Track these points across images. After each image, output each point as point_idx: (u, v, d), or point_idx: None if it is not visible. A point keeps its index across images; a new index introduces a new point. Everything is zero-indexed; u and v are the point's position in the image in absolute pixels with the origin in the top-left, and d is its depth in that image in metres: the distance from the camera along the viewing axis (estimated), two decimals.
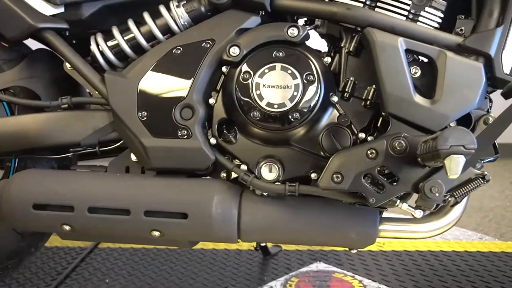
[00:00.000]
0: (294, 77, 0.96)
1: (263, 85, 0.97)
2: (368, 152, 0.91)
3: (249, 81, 0.97)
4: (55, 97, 1.11)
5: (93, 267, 1.48)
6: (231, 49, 0.99)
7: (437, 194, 0.85)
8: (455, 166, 0.73)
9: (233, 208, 1.00)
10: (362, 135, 0.98)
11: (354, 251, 1.12)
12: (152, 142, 1.02)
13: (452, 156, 0.73)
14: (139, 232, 1.02)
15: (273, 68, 0.97)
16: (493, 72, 0.92)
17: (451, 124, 0.93)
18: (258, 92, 0.97)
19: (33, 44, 1.16)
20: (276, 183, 1.00)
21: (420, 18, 0.99)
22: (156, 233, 1.01)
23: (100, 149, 1.09)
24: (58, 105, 1.10)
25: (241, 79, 0.98)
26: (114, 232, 1.04)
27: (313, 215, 1.00)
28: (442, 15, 1.00)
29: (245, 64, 0.98)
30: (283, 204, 1.01)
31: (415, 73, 0.96)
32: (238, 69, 0.99)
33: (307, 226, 1.00)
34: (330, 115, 0.99)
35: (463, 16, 1.01)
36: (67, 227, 1.03)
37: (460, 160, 0.73)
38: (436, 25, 1.00)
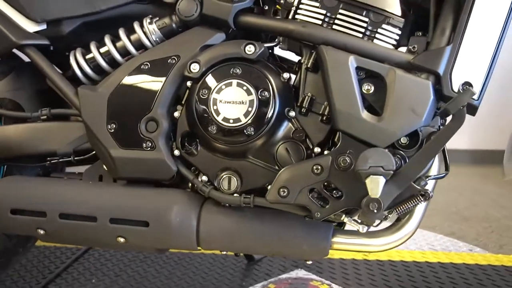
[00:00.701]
0: (249, 93, 1.00)
1: (220, 101, 1.01)
2: (314, 167, 0.94)
3: (207, 96, 1.01)
4: (40, 108, 1.20)
5: (83, 267, 1.56)
6: (192, 66, 1.03)
7: (375, 210, 0.87)
8: (375, 186, 0.76)
9: (192, 217, 1.04)
10: (318, 150, 1.01)
11: (310, 262, 1.14)
12: (119, 153, 1.07)
13: (371, 177, 0.76)
14: (106, 238, 1.08)
15: (230, 84, 1.01)
16: (442, 90, 0.93)
17: (401, 140, 0.95)
18: (215, 107, 1.01)
19: None
20: (235, 194, 1.04)
21: (377, 36, 1.01)
22: (121, 239, 1.07)
23: (75, 158, 1.16)
24: (38, 116, 1.18)
25: (200, 95, 1.02)
26: (84, 237, 1.11)
27: (268, 226, 1.03)
28: (399, 32, 1.01)
29: (204, 80, 1.03)
30: (240, 214, 1.05)
31: (368, 90, 0.98)
32: (198, 84, 1.03)
33: (261, 236, 1.04)
34: (286, 130, 1.02)
35: (420, 33, 1.02)
36: (41, 231, 1.10)
37: (380, 180, 0.76)
38: (394, 42, 1.01)
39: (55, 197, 1.09)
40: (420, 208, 1.02)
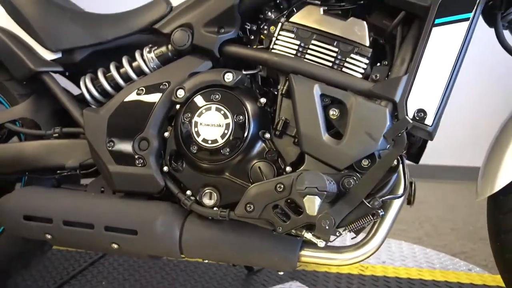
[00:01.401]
0: (226, 117, 1.11)
1: (200, 123, 1.12)
2: (277, 186, 1.03)
3: (190, 119, 1.13)
4: (53, 127, 1.35)
5: (98, 270, 1.71)
6: (178, 91, 1.16)
7: (327, 227, 0.95)
8: (311, 205, 0.84)
9: (175, 227, 1.16)
10: (289, 169, 1.10)
11: (281, 273, 1.22)
12: (116, 169, 1.21)
13: (308, 196, 0.84)
14: (102, 244, 1.21)
15: (209, 108, 1.12)
16: (398, 116, 1.00)
17: (363, 162, 1.02)
18: (196, 129, 1.12)
19: None
20: (215, 208, 1.14)
21: (345, 64, 1.09)
22: (115, 246, 1.20)
23: (81, 172, 1.30)
24: (51, 134, 1.33)
25: (184, 117, 1.14)
26: (84, 242, 1.24)
27: (243, 238, 1.13)
28: (367, 61, 1.09)
29: (188, 104, 1.14)
30: (219, 227, 1.15)
31: (334, 114, 1.06)
32: (183, 108, 1.15)
33: (237, 247, 1.13)
34: (259, 150, 1.12)
35: (386, 62, 1.10)
36: (48, 236, 1.25)
37: (315, 200, 0.84)
38: (362, 70, 1.09)
39: (60, 206, 1.24)
40: (385, 227, 1.08)
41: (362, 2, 1.13)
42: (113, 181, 1.21)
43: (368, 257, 1.08)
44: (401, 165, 1.03)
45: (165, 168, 1.19)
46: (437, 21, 1.00)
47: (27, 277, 1.64)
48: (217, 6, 1.17)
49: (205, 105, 1.12)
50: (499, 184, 1.07)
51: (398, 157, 0.99)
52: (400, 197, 1.04)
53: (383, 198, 1.00)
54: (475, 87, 3.17)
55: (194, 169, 1.17)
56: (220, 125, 1.11)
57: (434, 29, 1.00)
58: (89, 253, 1.84)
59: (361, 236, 1.11)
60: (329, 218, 0.95)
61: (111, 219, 1.19)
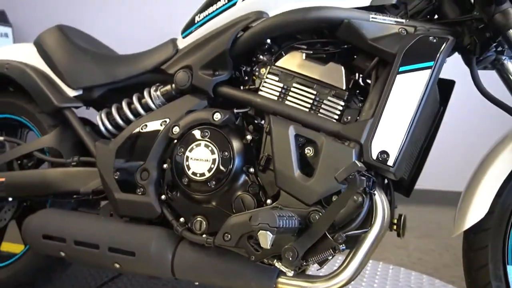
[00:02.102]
0: (213, 153, 1.22)
1: (191, 158, 1.24)
2: (251, 218, 1.12)
3: (183, 153, 1.25)
4: (73, 156, 1.52)
5: (121, 281, 1.85)
6: (173, 128, 1.29)
7: (290, 258, 1.03)
8: (263, 239, 0.93)
9: (168, 251, 1.28)
10: (269, 202, 1.20)
11: None
12: (120, 196, 1.35)
13: (261, 231, 0.93)
14: (106, 263, 1.35)
15: (199, 144, 1.24)
16: (363, 157, 1.08)
17: (333, 199, 1.10)
18: (187, 163, 1.24)
19: None
20: (203, 235, 1.25)
21: (322, 106, 1.18)
22: (117, 265, 1.33)
23: (93, 197, 1.46)
24: (70, 162, 1.50)
25: (178, 152, 1.26)
26: (91, 261, 1.39)
27: (226, 263, 1.23)
28: (343, 104, 1.17)
29: (182, 140, 1.27)
30: (207, 252, 1.26)
31: (308, 153, 1.15)
32: (178, 143, 1.28)
33: (220, 271, 1.23)
34: (243, 184, 1.22)
35: (360, 105, 1.17)
36: (62, 254, 1.40)
37: (267, 235, 0.93)
38: (338, 112, 1.17)
39: (73, 228, 1.39)
40: (356, 260, 1.14)
41: (342, 48, 1.22)
42: (118, 207, 1.35)
43: (341, 286, 1.14)
44: (369, 202, 1.10)
45: (163, 197, 1.32)
46: (401, 68, 1.07)
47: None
48: (211, 51, 1.30)
49: (196, 141, 1.25)
50: (469, 222, 1.11)
51: (363, 195, 1.07)
52: (365, 232, 1.10)
53: (347, 233, 1.07)
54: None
55: (186, 199, 1.28)
56: (207, 160, 1.22)
57: (398, 76, 1.07)
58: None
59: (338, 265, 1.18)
60: (292, 250, 1.03)
61: (113, 241, 1.33)
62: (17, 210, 1.68)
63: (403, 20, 1.18)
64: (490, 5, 1.10)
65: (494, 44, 1.15)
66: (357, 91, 1.21)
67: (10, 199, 1.61)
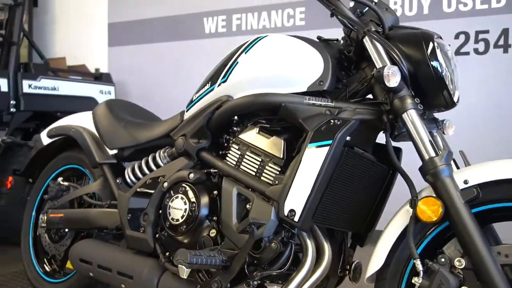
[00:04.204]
0: (185, 204, 1.60)
1: (171, 207, 1.63)
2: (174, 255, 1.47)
3: (167, 203, 1.65)
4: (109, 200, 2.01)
5: None
6: (164, 184, 1.70)
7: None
8: (181, 271, 1.28)
9: (155, 278, 1.66)
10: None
11: None
12: (129, 233, 1.78)
13: (179, 266, 1.28)
14: (116, 283, 1.78)
15: (177, 197, 1.63)
16: (278, 214, 1.37)
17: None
18: (169, 210, 1.64)
19: None
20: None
21: (265, 171, 1.51)
22: (123, 285, 1.75)
23: (116, 232, 1.91)
24: (104, 205, 1.98)
25: (165, 201, 1.67)
26: (108, 280, 1.83)
27: None
28: (279, 169, 1.48)
29: (168, 192, 1.67)
30: (181, 280, 1.62)
31: (247, 207, 1.47)
32: (166, 195, 1.68)
33: None
34: (206, 228, 1.57)
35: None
36: (91, 274, 1.87)
37: (183, 268, 1.27)
38: (275, 175, 1.48)
39: (98, 255, 1.85)
40: None
41: (286, 126, 1.54)
42: (128, 241, 1.79)
43: None
44: (289, 248, 1.39)
45: (157, 235, 1.72)
46: (309, 144, 1.36)
47: None
48: (195, 125, 1.69)
49: (176, 194, 1.64)
50: (370, 271, 1.33)
51: (279, 243, 1.36)
52: (280, 272, 1.38)
53: (263, 272, 1.37)
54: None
55: (169, 238, 1.67)
56: (181, 209, 1.61)
57: (307, 150, 1.36)
58: None
59: None
60: (217, 282, 1.36)
61: (120, 267, 1.76)
62: (75, 239, 2.20)
63: (331, 103, 1.45)
64: (390, 92, 1.35)
65: (397, 124, 1.38)
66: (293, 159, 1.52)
67: (67, 230, 2.14)
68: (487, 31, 3.32)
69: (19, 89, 3.39)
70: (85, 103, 3.86)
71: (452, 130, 1.52)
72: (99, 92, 4.10)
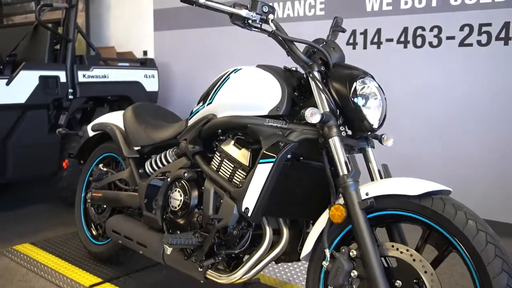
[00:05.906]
0: (181, 196, 2.14)
1: (171, 197, 2.19)
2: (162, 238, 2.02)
3: (170, 194, 2.21)
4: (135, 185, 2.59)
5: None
6: (167, 179, 2.24)
7: (193, 260, 1.91)
8: (166, 250, 1.83)
9: (161, 248, 2.23)
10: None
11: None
12: (146, 213, 2.36)
13: (164, 246, 1.83)
14: (136, 250, 2.38)
15: (176, 190, 2.18)
16: (239, 210, 1.87)
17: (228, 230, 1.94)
18: (170, 199, 2.19)
19: None
20: None
21: (235, 175, 2.00)
22: (141, 251, 2.35)
23: (138, 211, 2.50)
24: (131, 188, 2.57)
25: (168, 192, 2.22)
26: (131, 248, 2.43)
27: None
28: (245, 174, 1.98)
29: (170, 186, 2.22)
30: (181, 252, 2.19)
31: (220, 204, 1.99)
32: (169, 187, 2.23)
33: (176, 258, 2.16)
34: (195, 215, 2.11)
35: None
36: (120, 241, 2.49)
37: (167, 248, 1.82)
38: (240, 179, 1.98)
39: (124, 227, 2.46)
40: (245, 267, 1.95)
41: (254, 139, 2.01)
42: (144, 219, 2.37)
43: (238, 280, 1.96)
44: (247, 235, 1.90)
45: (164, 216, 2.29)
46: (260, 160, 1.83)
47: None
48: (191, 134, 2.20)
49: (175, 187, 2.19)
50: (304, 252, 1.82)
51: (239, 230, 1.88)
52: (242, 251, 1.90)
53: (227, 251, 1.90)
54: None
55: (171, 220, 2.23)
56: (178, 200, 2.16)
57: (258, 164, 1.83)
58: None
59: None
60: (195, 256, 1.91)
61: (139, 238, 2.35)
62: (112, 213, 2.82)
63: (285, 125, 1.89)
64: (321, 121, 1.78)
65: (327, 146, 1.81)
66: None
67: (105, 206, 2.77)
68: (489, 24, 3.52)
69: (75, 79, 4.03)
70: (131, 87, 4.48)
71: (390, 142, 1.93)
72: (143, 77, 4.68)
